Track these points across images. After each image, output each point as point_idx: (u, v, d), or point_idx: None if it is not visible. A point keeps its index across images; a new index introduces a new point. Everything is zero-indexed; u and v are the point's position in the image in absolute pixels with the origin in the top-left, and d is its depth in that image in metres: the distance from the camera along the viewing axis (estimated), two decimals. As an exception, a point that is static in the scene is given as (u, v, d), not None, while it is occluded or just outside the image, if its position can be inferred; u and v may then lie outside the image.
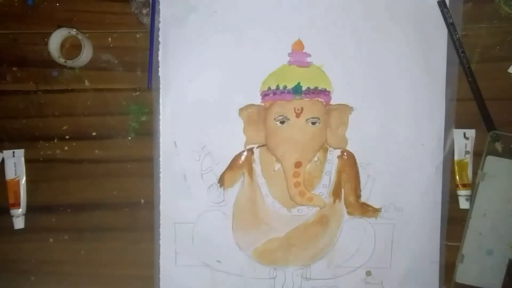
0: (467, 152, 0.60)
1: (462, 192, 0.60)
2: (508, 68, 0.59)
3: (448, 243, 0.60)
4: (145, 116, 0.60)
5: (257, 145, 0.60)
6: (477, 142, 0.59)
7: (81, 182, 0.61)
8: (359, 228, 0.60)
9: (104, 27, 0.60)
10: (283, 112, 0.59)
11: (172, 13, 0.59)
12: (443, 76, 0.59)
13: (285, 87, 0.59)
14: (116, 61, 0.60)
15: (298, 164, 0.59)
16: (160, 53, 0.59)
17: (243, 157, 0.60)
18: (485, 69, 0.59)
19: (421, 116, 0.59)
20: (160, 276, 0.60)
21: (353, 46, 0.59)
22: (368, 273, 0.61)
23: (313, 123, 0.59)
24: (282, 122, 0.59)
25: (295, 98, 0.59)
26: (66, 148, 0.61)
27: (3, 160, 0.60)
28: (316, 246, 0.60)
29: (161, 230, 0.60)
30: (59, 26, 0.59)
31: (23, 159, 0.60)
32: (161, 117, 0.59)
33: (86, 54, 0.58)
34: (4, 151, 0.60)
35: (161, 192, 0.60)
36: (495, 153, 0.58)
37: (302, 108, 0.59)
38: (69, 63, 0.58)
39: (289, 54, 0.59)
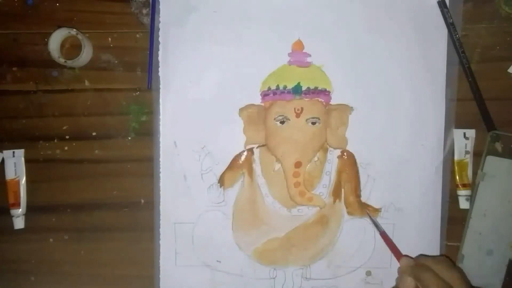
0: (467, 152, 0.60)
1: (462, 192, 0.60)
2: (508, 68, 0.59)
3: (448, 243, 0.60)
4: (145, 116, 0.60)
5: (257, 145, 0.60)
6: (477, 142, 0.59)
7: (81, 182, 0.61)
8: (359, 228, 0.60)
9: (104, 27, 0.60)
10: (283, 112, 0.59)
11: (172, 13, 0.59)
12: (443, 76, 0.59)
13: (285, 87, 0.59)
14: (116, 61, 0.60)
15: (298, 164, 0.59)
16: (160, 53, 0.59)
17: (243, 157, 0.60)
18: (485, 69, 0.59)
19: (421, 116, 0.59)
20: (160, 276, 0.60)
21: (353, 46, 0.59)
22: (368, 273, 0.61)
23: (313, 123, 0.59)
24: (282, 122, 0.59)
25: (295, 98, 0.59)
26: (66, 148, 0.61)
27: (3, 160, 0.60)
28: (316, 246, 0.60)
29: (161, 230, 0.60)
30: (59, 26, 0.59)
31: (23, 159, 0.60)
32: (161, 117, 0.59)
33: (86, 54, 0.58)
34: (4, 151, 0.60)
35: (161, 192, 0.60)
36: (495, 153, 0.58)
37: (302, 108, 0.59)
38: (69, 63, 0.58)
39: (289, 54, 0.59)
